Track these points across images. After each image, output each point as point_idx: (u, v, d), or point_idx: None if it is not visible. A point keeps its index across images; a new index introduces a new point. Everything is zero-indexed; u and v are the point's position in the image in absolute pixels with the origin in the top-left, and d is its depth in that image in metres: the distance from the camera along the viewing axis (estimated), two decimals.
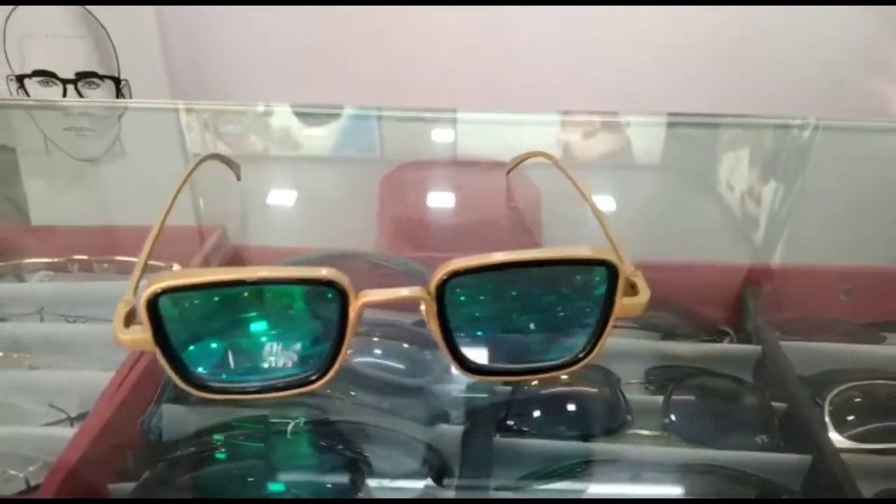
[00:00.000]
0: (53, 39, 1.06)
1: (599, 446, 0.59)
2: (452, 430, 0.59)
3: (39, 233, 0.79)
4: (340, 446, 0.57)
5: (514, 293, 0.47)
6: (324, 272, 0.43)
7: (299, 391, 0.47)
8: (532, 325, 0.48)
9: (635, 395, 0.64)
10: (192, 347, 0.45)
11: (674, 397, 0.67)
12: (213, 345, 0.46)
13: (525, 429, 0.63)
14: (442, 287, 0.44)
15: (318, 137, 1.07)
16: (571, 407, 0.66)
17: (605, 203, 0.72)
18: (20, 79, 1.08)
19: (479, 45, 1.30)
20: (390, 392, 0.66)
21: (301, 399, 0.54)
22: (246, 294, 0.44)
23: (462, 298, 0.45)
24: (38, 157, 0.95)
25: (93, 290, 0.72)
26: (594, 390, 0.68)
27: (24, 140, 1.00)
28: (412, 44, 1.33)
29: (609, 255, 0.45)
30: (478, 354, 0.47)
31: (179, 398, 0.59)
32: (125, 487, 0.54)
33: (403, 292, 0.44)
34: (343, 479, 0.55)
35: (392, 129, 1.17)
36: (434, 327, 0.45)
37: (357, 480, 0.55)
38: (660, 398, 0.64)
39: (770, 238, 0.88)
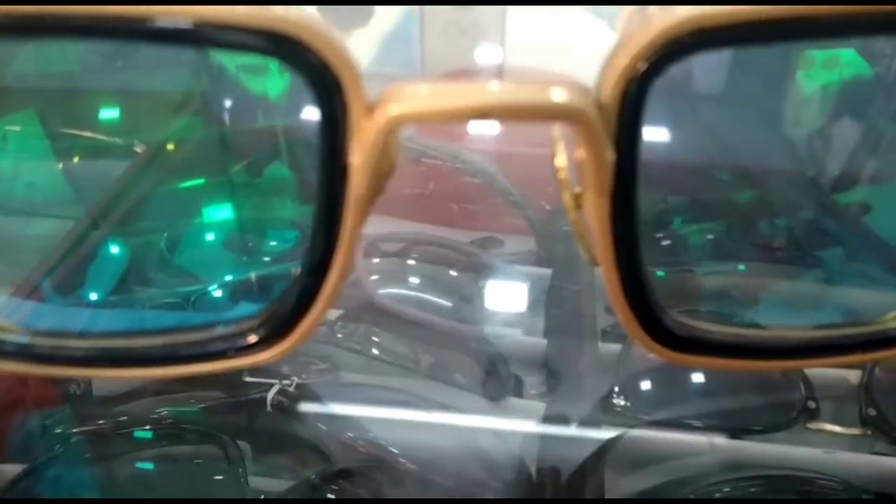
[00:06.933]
0: None
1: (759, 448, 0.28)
2: (530, 408, 0.29)
3: None
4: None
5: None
6: (275, 13, 0.06)
7: (227, 364, 0.10)
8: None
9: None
10: None
11: None
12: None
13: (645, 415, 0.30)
14: (641, 84, 0.07)
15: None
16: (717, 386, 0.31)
17: None
18: None
19: None
20: (432, 341, 0.32)
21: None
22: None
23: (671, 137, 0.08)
24: None
25: None
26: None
27: None
28: None
29: None
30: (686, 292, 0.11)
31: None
32: None
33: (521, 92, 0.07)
34: None
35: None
36: (592, 209, 0.08)
37: None
38: None
39: None
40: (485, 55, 0.81)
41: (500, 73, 0.73)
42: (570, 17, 0.77)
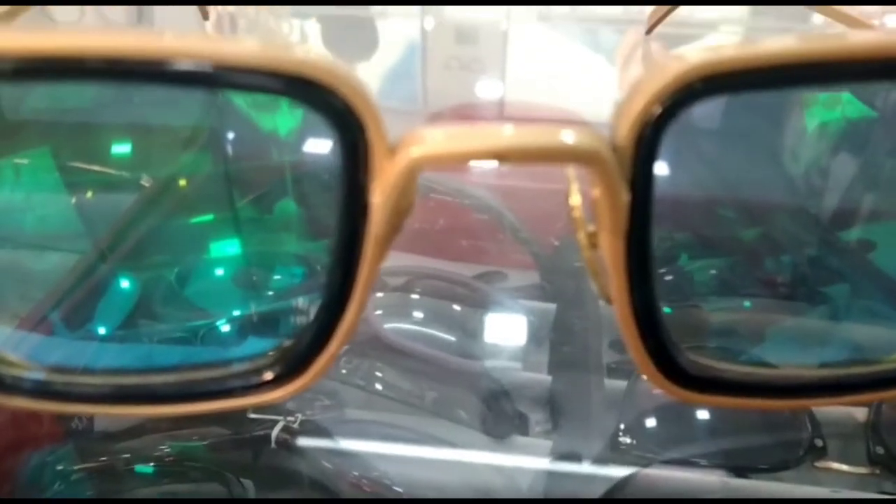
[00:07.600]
0: None
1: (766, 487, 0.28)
2: (535, 445, 0.29)
3: None
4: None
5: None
6: (298, 56, 0.06)
7: (240, 401, 0.10)
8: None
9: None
10: None
11: None
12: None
13: (651, 453, 0.29)
14: (656, 128, 0.07)
15: None
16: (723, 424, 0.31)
17: None
18: None
19: None
20: (436, 377, 0.32)
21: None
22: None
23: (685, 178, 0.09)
24: None
25: None
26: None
27: None
28: None
29: None
30: (693, 329, 0.11)
31: None
32: None
33: (538, 136, 0.08)
34: None
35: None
36: (607, 248, 0.08)
37: None
38: None
39: None
40: (486, 89, 0.82)
41: (500, 106, 0.73)
42: (568, 51, 0.78)
